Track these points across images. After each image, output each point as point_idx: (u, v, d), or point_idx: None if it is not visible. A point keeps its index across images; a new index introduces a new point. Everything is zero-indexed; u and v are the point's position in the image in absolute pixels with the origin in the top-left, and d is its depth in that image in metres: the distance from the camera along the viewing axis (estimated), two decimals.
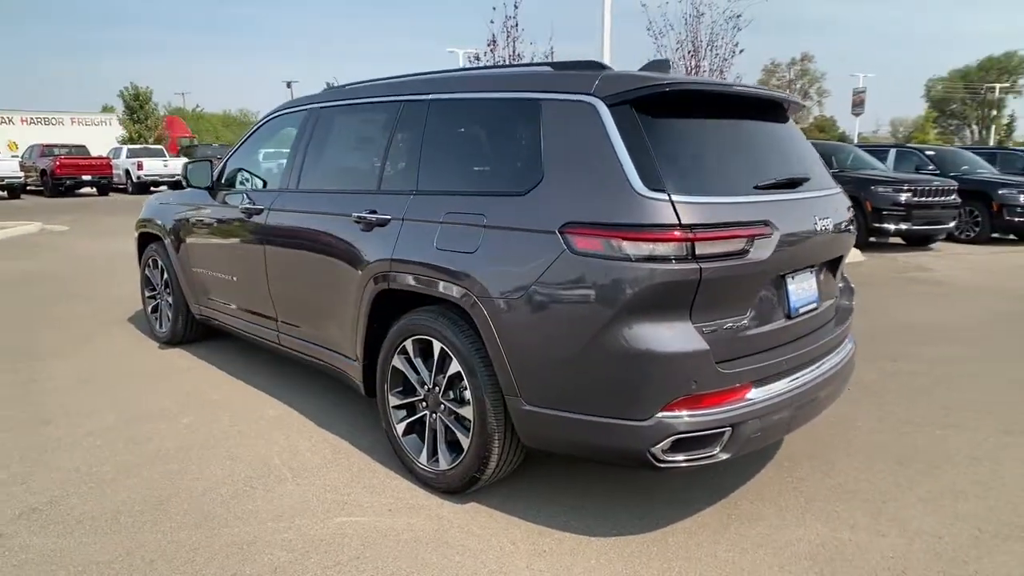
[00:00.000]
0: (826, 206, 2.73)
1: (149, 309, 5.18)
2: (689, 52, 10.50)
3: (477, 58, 12.55)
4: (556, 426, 2.42)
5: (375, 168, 3.20)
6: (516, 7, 11.93)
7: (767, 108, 2.80)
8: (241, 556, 2.41)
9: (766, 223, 2.36)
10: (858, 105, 42.86)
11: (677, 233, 2.18)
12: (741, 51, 10.23)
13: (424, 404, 2.89)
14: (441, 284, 2.65)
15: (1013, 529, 2.59)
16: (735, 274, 2.29)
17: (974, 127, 70.98)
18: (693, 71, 10.36)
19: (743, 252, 2.28)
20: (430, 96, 3.00)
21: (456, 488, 2.75)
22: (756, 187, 2.46)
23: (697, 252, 2.19)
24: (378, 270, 2.93)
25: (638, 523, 2.62)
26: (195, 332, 4.91)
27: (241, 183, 4.18)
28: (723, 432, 2.29)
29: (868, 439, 3.39)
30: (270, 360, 4.56)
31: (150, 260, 5.05)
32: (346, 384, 3.40)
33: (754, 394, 2.38)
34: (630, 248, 2.20)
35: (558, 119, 2.47)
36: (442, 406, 2.80)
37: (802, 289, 2.67)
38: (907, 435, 3.44)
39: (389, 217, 2.93)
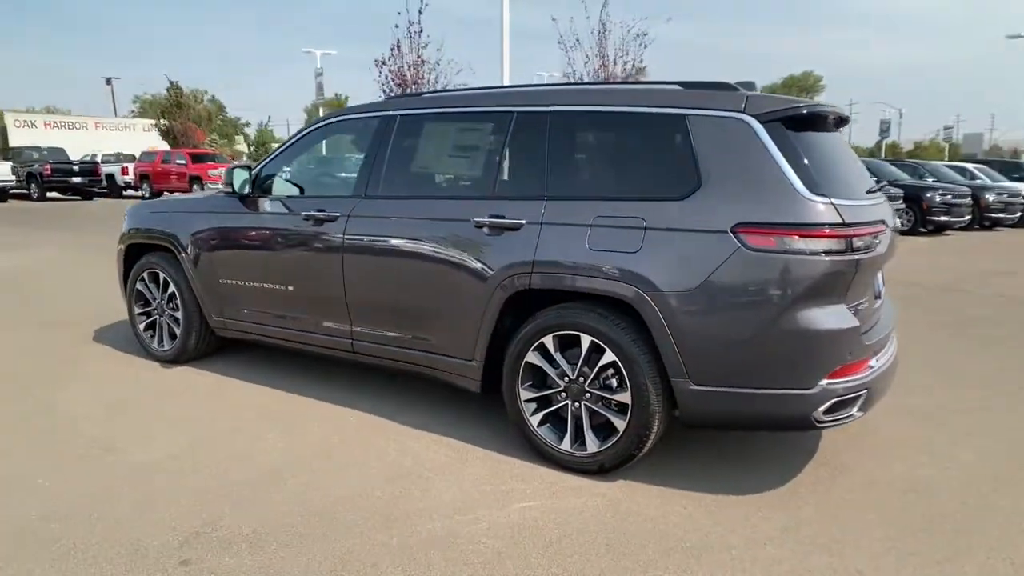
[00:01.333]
0: (889, 208, 3.33)
1: (141, 327, 4.80)
2: (599, 66, 11.25)
3: (383, 62, 12.51)
4: (723, 401, 2.77)
5: (488, 175, 3.36)
6: (420, 12, 12.09)
7: (842, 124, 3.35)
8: (457, 548, 2.51)
9: (883, 221, 2.88)
10: None
11: (840, 230, 2.63)
12: (644, 67, 11.15)
13: (563, 395, 3.10)
14: (599, 282, 2.90)
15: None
16: (870, 264, 2.78)
17: None
18: (605, 79, 11.14)
19: (875, 245, 2.78)
20: (551, 108, 3.22)
21: (610, 467, 3.01)
22: (868, 191, 2.98)
23: (853, 245, 2.65)
24: (515, 272, 3.10)
25: (775, 479, 3.05)
26: (205, 348, 4.65)
27: (284, 190, 4.07)
28: (862, 394, 2.78)
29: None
30: (297, 368, 4.48)
31: (144, 273, 4.69)
32: (441, 383, 3.52)
33: (873, 363, 2.89)
34: (803, 244, 2.62)
35: (712, 133, 2.82)
36: (587, 395, 3.04)
37: (879, 276, 3.25)
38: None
39: (522, 222, 3.12)
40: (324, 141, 4.07)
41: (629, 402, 2.91)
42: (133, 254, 4.82)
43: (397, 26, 12.24)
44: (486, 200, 3.29)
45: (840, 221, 2.63)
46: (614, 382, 2.98)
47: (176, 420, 3.69)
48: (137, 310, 4.81)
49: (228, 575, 2.36)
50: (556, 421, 3.17)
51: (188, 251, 4.38)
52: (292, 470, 3.11)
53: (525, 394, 3.19)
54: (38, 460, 3.18)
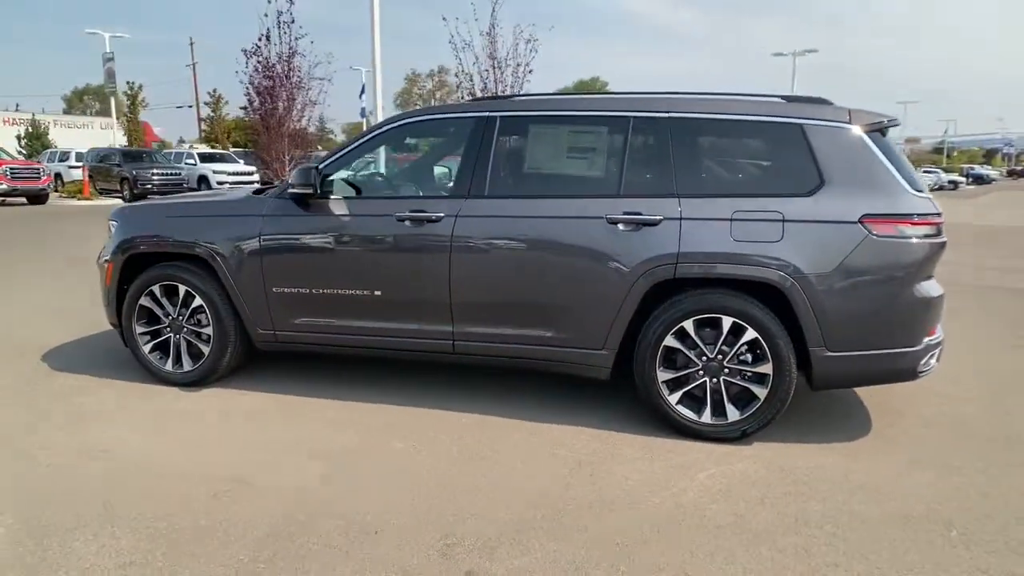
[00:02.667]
0: None
1: (146, 348, 4.24)
2: (490, 67, 11.54)
3: (253, 52, 11.62)
4: (850, 364, 3.32)
5: (611, 175, 3.58)
6: (291, 2, 11.47)
7: None
8: (696, 515, 2.76)
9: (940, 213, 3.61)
10: None
11: (933, 219, 3.29)
12: (531, 72, 11.64)
13: (701, 373, 3.45)
14: (745, 268, 3.30)
15: None
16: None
17: None
18: (496, 83, 11.46)
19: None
20: (670, 114, 3.53)
21: (751, 432, 3.42)
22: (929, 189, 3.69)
23: (940, 230, 3.34)
24: (658, 263, 3.38)
25: (858, 431, 3.67)
26: (236, 365, 4.26)
27: (354, 191, 3.90)
28: (940, 348, 3.49)
29: None
30: (337, 374, 4.32)
31: (155, 287, 4.15)
32: (561, 374, 3.70)
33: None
34: (913, 230, 3.24)
35: (828, 139, 3.35)
36: (726, 370, 3.42)
37: None
38: None
39: (660, 217, 3.40)
40: (398, 142, 3.95)
41: (770, 373, 3.35)
42: (132, 266, 4.23)
43: (266, 15, 11.45)
44: (615, 199, 3.51)
45: (934, 211, 3.31)
46: (750, 357, 3.40)
47: (274, 445, 3.41)
48: (139, 330, 4.23)
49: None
50: (690, 398, 3.50)
51: (229, 259, 3.98)
52: (460, 481, 3.07)
53: (663, 375, 3.49)
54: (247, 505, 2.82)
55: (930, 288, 3.35)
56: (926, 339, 3.36)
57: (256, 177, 24.62)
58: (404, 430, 3.59)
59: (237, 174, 24.10)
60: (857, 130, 3.35)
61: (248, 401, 3.99)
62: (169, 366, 4.22)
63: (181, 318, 4.17)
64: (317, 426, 3.63)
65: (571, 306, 3.57)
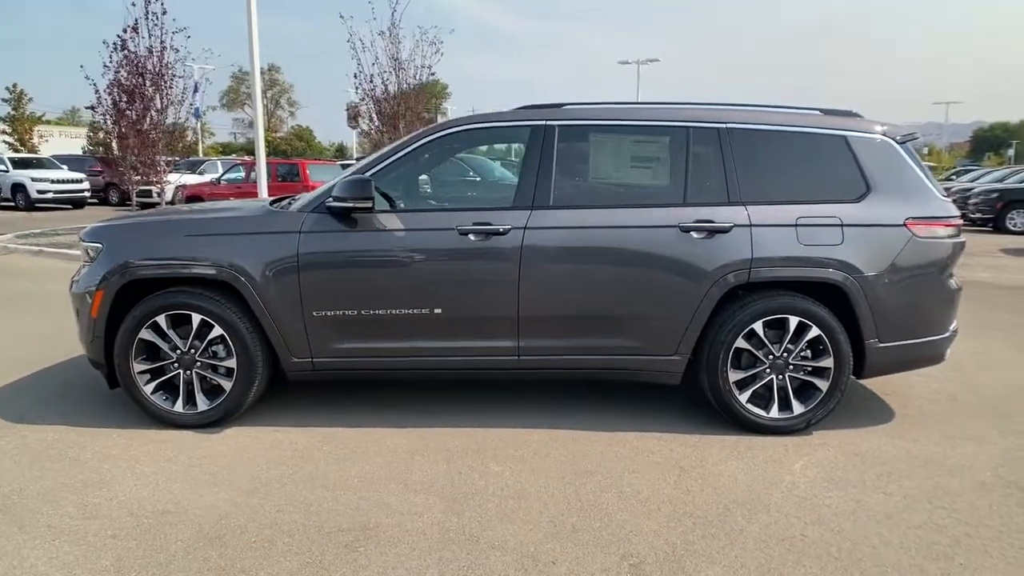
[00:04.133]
0: None
1: (148, 388, 3.66)
2: (391, 69, 11.14)
3: (119, 47, 10.34)
4: (897, 352, 3.67)
5: (676, 183, 3.66)
6: None
7: None
8: (826, 507, 2.92)
9: None
10: (353, 119, 47.56)
11: (956, 221, 3.73)
12: (433, 73, 11.39)
13: (768, 371, 3.65)
14: (813, 271, 3.53)
15: None
16: None
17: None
18: (400, 85, 11.11)
19: None
20: (727, 125, 3.68)
21: (815, 423, 3.66)
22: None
23: (960, 231, 3.79)
24: (733, 269, 3.52)
25: (874, 418, 4.07)
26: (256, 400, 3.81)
27: (408, 203, 3.65)
28: (955, 335, 3.95)
29: None
30: (364, 399, 4.04)
31: (160, 318, 3.59)
32: (624, 381, 3.73)
33: None
34: (944, 231, 3.66)
35: (870, 149, 3.67)
36: (791, 367, 3.64)
37: None
38: None
39: (731, 224, 3.55)
40: (445, 153, 3.73)
41: (831, 366, 3.62)
42: (125, 295, 3.64)
43: (134, 4, 10.20)
44: (683, 207, 3.60)
45: (957, 214, 3.75)
46: (810, 352, 3.64)
47: (385, 481, 3.12)
48: (139, 368, 3.65)
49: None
50: (756, 395, 3.68)
51: (260, 282, 3.56)
52: (590, 495, 3.03)
53: (733, 376, 3.63)
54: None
55: (956, 282, 3.79)
56: (952, 326, 3.80)
57: (86, 185, 21.89)
58: (487, 452, 3.43)
59: (62, 182, 21.30)
60: (891, 141, 3.71)
61: (287, 438, 3.58)
62: (179, 407, 3.68)
63: (194, 351, 3.65)
64: (388, 457, 3.36)
65: (644, 314, 3.61)
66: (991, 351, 5.35)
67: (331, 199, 3.56)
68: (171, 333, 3.64)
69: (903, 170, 3.70)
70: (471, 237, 3.56)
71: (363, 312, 3.62)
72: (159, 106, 10.98)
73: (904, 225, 3.60)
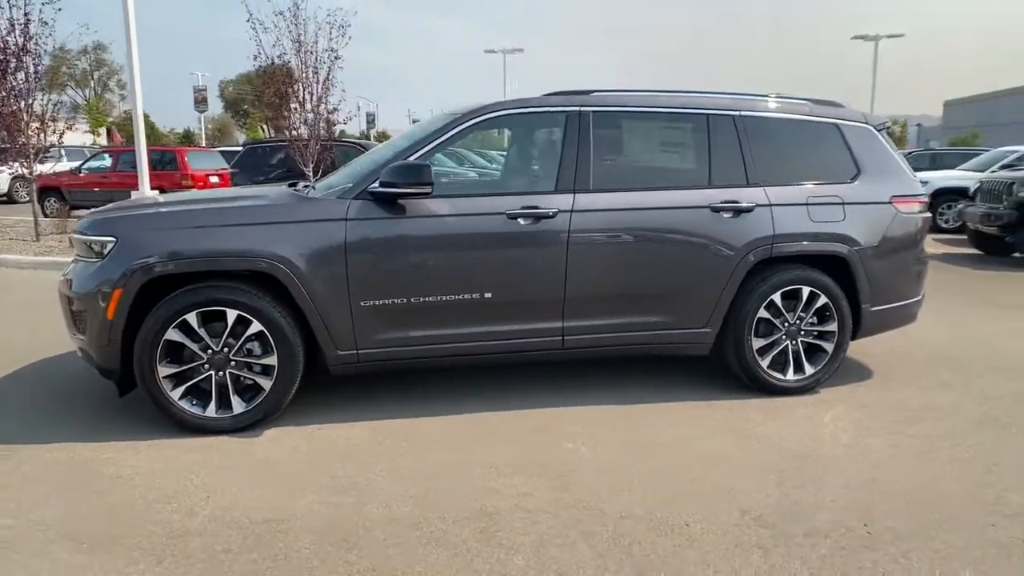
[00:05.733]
0: None
1: (176, 394, 3.35)
2: (294, 52, 10.50)
3: None
4: (885, 315, 4.17)
5: (700, 167, 3.90)
6: None
7: None
8: (881, 455, 3.30)
9: None
10: (201, 103, 44.27)
11: (926, 197, 4.30)
12: (339, 57, 10.86)
13: (784, 338, 4.01)
14: (823, 245, 3.93)
15: None
16: None
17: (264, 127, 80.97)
18: (304, 68, 10.50)
19: None
20: (739, 112, 3.97)
21: (822, 382, 4.08)
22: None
23: (927, 207, 4.36)
24: (759, 245, 3.83)
25: (859, 375, 4.60)
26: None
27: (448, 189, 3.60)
28: (924, 298, 4.53)
29: None
30: (391, 389, 3.99)
31: (191, 315, 3.29)
32: (659, 356, 3.95)
33: None
34: (919, 207, 4.20)
35: (857, 136, 4.13)
36: (802, 332, 4.03)
37: None
38: None
39: (754, 204, 3.85)
40: (478, 138, 3.70)
41: (836, 330, 4.04)
42: (147, 292, 3.30)
43: None
44: (709, 189, 3.85)
45: (924, 191, 4.31)
46: (816, 319, 4.05)
47: (470, 466, 3.09)
48: (164, 372, 3.33)
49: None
50: (779, 360, 4.02)
51: (305, 273, 3.36)
52: (685, 469, 3.21)
53: (756, 343, 3.96)
54: None
55: (926, 250, 4.36)
56: (922, 291, 4.38)
57: None
58: (548, 431, 3.50)
59: None
60: (872, 128, 4.20)
61: (337, 435, 3.44)
62: (212, 411, 3.40)
63: (227, 350, 3.38)
64: (454, 444, 3.34)
65: (681, 290, 3.83)
66: None
67: (379, 185, 3.44)
68: (201, 331, 3.35)
69: (883, 153, 4.20)
70: (520, 221, 3.59)
71: (412, 300, 3.53)
72: (23, 85, 9.68)
73: (890, 202, 4.09)
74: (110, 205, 4.00)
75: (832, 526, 2.64)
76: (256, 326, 3.37)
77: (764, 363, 3.98)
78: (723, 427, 3.59)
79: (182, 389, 3.37)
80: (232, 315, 3.34)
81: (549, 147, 3.76)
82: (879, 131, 4.25)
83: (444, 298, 3.56)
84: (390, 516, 2.68)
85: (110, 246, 3.32)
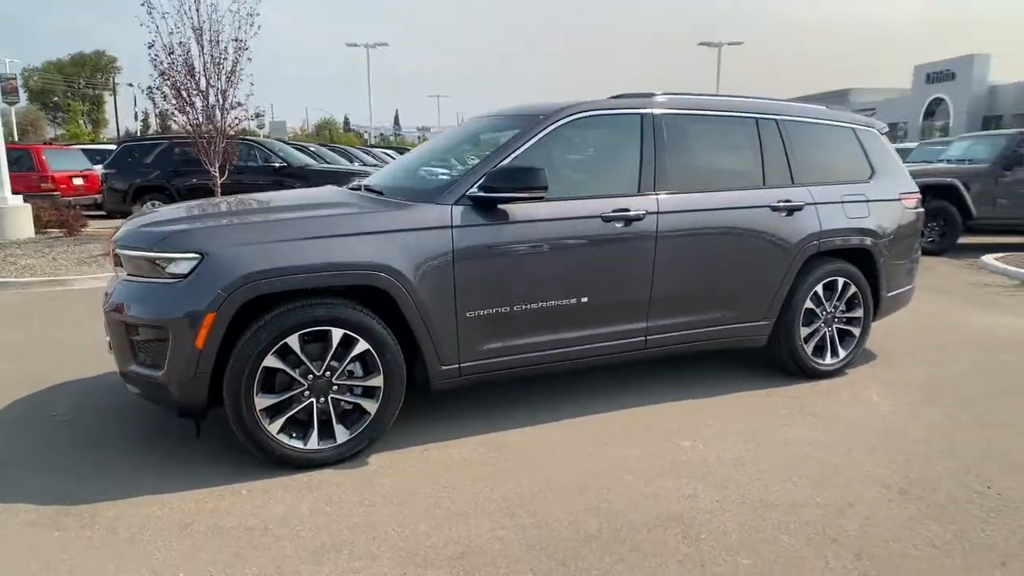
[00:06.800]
0: None
1: (275, 427, 2.99)
2: (195, 40, 9.44)
3: None
4: (894, 299, 4.66)
5: (754, 168, 4.11)
6: None
7: None
8: (938, 427, 3.69)
9: None
10: (11, 93, 38.98)
11: (920, 194, 4.84)
12: (247, 48, 9.92)
13: (822, 325, 4.35)
14: (855, 239, 4.30)
15: None
16: None
17: (81, 120, 72.29)
18: (204, 60, 9.47)
19: None
20: (779, 116, 4.24)
21: (850, 364, 4.47)
22: None
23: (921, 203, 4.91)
24: (810, 240, 4.12)
25: (864, 357, 5.10)
26: None
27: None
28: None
29: None
30: (480, 400, 3.88)
31: (293, 337, 2.95)
32: (727, 350, 4.15)
33: None
34: (916, 202, 4.72)
35: (868, 138, 4.57)
36: (836, 319, 4.40)
37: None
38: None
39: (802, 203, 4.13)
40: (569, 138, 3.63)
41: (862, 316, 4.45)
42: (238, 317, 2.91)
43: None
44: (767, 189, 4.08)
45: (918, 188, 4.85)
46: (845, 307, 4.44)
47: (607, 470, 3.04)
48: (263, 403, 2.96)
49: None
50: (818, 345, 4.35)
51: (416, 284, 3.14)
52: (800, 452, 3.38)
53: (804, 331, 4.27)
54: None
55: (920, 243, 4.91)
56: (917, 277, 4.93)
57: None
58: (658, 430, 3.54)
59: None
60: (877, 132, 4.66)
61: (454, 454, 3.25)
62: (313, 443, 3.07)
63: (329, 373, 3.07)
64: (579, 450, 3.29)
65: (747, 285, 4.03)
66: None
67: (482, 189, 3.28)
68: (302, 354, 3.01)
69: (889, 154, 4.68)
70: (616, 224, 3.59)
71: (515, 308, 3.41)
72: None
73: (899, 199, 4.57)
74: (149, 217, 3.46)
75: (963, 491, 2.93)
76: (362, 345, 3.09)
77: (809, 349, 4.29)
78: (797, 412, 3.83)
79: (281, 421, 3.01)
80: (337, 335, 3.04)
81: (628, 149, 3.78)
82: (883, 134, 4.72)
83: (544, 304, 3.48)
84: (586, 532, 2.59)
85: (193, 264, 2.88)
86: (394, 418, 3.25)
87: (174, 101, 9.84)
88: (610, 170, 3.83)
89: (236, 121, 10.20)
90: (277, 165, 12.01)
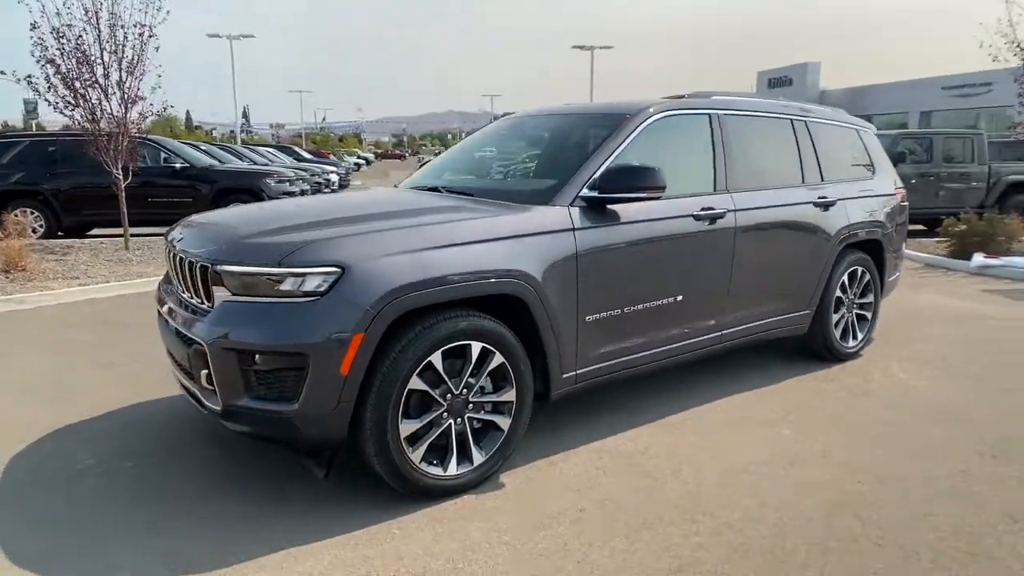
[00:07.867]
0: None
1: (417, 455, 2.73)
2: (89, 26, 8.22)
3: None
4: (893, 284, 5.11)
5: (794, 166, 4.33)
6: None
7: None
8: (949, 412, 4.10)
9: None
10: None
11: (905, 191, 5.33)
12: (153, 35, 8.77)
13: (845, 311, 4.68)
14: (871, 231, 4.67)
15: None
16: None
17: None
18: (102, 45, 8.27)
19: None
20: (806, 117, 4.49)
21: (864, 346, 4.85)
22: None
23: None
24: (843, 233, 4.42)
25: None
26: None
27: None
28: None
29: None
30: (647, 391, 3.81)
31: (435, 356, 2.70)
32: (771, 341, 4.35)
33: None
34: (904, 196, 5.20)
35: (868, 137, 4.97)
36: (855, 306, 4.75)
37: None
38: None
39: (834, 199, 4.41)
40: (661, 135, 3.61)
41: (873, 301, 4.84)
42: (389, 331, 2.62)
43: None
44: (807, 186, 4.31)
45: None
46: (859, 293, 4.80)
47: (742, 471, 3.07)
48: (406, 430, 2.69)
49: None
50: (845, 328, 4.67)
51: (545, 291, 2.98)
52: (871, 421, 3.60)
53: (835, 318, 4.56)
54: None
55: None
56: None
57: None
58: (745, 421, 3.64)
59: None
60: (873, 131, 5.07)
61: (565, 466, 3.14)
62: (453, 468, 2.84)
63: (467, 391, 2.85)
64: (693, 449, 3.30)
65: (798, 277, 4.25)
66: None
67: (598, 191, 3.19)
68: (445, 373, 2.76)
69: (883, 153, 5.12)
70: (705, 222, 3.63)
71: (625, 309, 3.36)
72: None
73: (896, 193, 5.01)
74: (235, 226, 2.98)
75: None
76: (498, 358, 2.90)
77: (838, 334, 4.60)
78: (846, 393, 4.09)
79: (423, 448, 2.75)
80: (476, 349, 2.82)
81: (703, 149, 3.82)
82: (875, 136, 5.16)
83: (649, 304, 3.45)
84: (784, 547, 2.60)
85: (333, 279, 2.54)
86: (523, 433, 3.08)
87: (64, 92, 8.62)
88: (690, 169, 3.85)
89: (141, 117, 9.12)
90: (178, 166, 10.87)
